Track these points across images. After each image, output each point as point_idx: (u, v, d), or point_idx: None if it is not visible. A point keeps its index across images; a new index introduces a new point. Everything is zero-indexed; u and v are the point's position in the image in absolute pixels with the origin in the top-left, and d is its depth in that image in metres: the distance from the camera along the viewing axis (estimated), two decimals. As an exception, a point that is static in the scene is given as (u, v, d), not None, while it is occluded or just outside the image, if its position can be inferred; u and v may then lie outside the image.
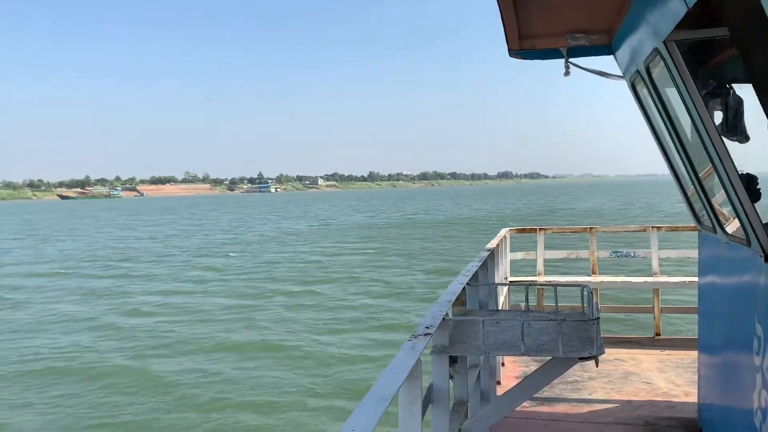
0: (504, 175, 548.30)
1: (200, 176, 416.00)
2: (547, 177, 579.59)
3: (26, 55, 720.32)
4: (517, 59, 5.63)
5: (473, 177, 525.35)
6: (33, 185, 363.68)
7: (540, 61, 5.73)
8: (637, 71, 4.46)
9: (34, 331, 20.68)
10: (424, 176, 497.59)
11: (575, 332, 3.88)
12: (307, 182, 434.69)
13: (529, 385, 3.90)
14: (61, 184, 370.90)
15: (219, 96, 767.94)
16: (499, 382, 6.93)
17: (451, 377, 3.89)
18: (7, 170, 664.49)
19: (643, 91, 4.67)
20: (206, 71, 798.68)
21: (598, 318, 3.85)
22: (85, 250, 50.48)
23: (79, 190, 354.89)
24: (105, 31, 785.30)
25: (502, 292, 7.97)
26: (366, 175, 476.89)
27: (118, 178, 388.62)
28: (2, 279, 33.97)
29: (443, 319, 3.55)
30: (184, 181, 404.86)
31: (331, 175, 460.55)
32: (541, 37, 5.25)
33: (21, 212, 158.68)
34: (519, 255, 10.46)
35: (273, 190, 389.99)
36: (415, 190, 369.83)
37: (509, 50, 5.41)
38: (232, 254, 42.72)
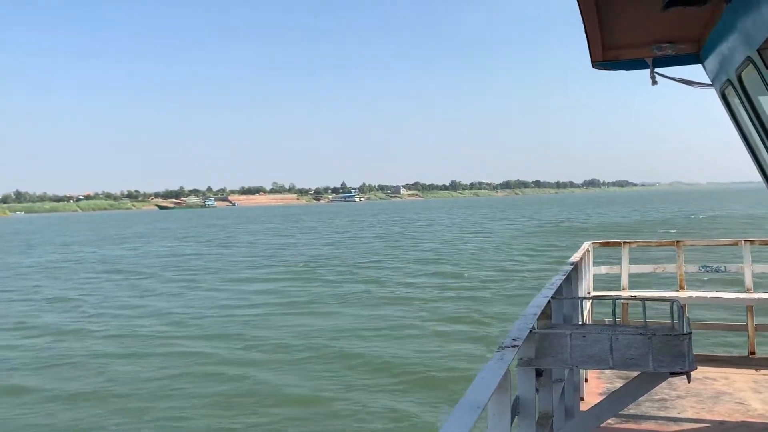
0: (591, 183, 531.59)
1: (287, 186, 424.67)
2: (635, 185, 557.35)
3: (122, 76, 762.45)
4: (601, 70, 5.54)
5: (558, 185, 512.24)
6: (131, 196, 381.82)
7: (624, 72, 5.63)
8: (728, 80, 4.54)
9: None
10: (506, 185, 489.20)
11: (665, 347, 3.78)
12: (390, 191, 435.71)
13: (615, 401, 3.99)
14: (156, 195, 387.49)
15: (301, 106, 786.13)
16: (582, 398, 6.75)
17: (536, 390, 3.85)
18: (107, 182, 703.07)
19: (734, 100, 4.73)
20: (288, 84, 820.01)
21: (690, 333, 3.79)
22: (300, 254, 49.82)
23: (174, 200, 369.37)
24: (200, 48, 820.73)
25: (585, 307, 7.81)
26: (448, 184, 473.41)
27: (210, 189, 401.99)
28: (258, 283, 33.04)
29: (530, 331, 3.59)
30: (272, 191, 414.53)
31: (413, 184, 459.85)
32: (625, 48, 5.22)
33: (138, 221, 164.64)
34: (603, 269, 10.45)
35: (357, 199, 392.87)
36: (499, 199, 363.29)
37: (592, 62, 5.30)
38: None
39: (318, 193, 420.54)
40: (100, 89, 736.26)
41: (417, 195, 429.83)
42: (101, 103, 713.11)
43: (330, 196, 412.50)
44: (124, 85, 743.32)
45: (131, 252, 60.11)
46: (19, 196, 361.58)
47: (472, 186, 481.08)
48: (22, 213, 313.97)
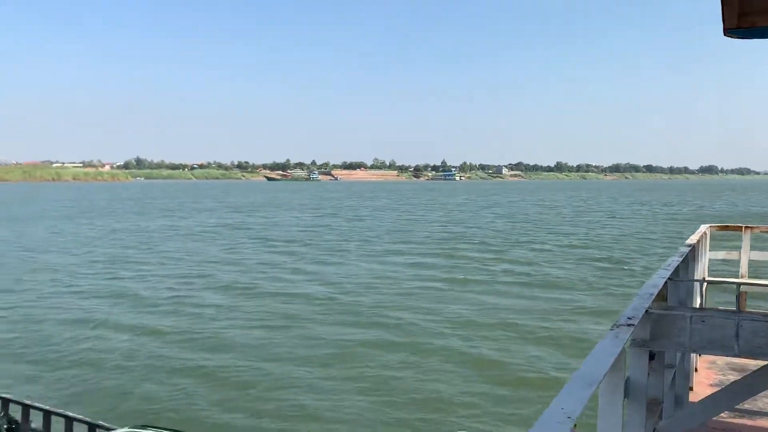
0: (707, 170, 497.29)
1: (387, 162, 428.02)
2: (758, 173, 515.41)
3: (231, 55, 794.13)
4: (733, 38, 4.70)
5: (672, 171, 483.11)
6: (241, 167, 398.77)
7: (758, 40, 4.71)
8: None
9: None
10: (616, 168, 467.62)
11: None
12: (491, 171, 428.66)
13: (732, 393, 3.69)
14: (264, 166, 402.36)
15: (402, 82, 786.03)
16: (691, 388, 6.30)
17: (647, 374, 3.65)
18: (219, 153, 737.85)
19: None
20: (388, 63, 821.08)
21: None
22: (436, 230, 50.58)
23: (280, 172, 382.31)
24: (299, 32, 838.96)
25: (700, 293, 7.28)
26: (553, 166, 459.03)
27: (314, 162, 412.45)
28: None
29: (645, 311, 3.46)
30: (372, 166, 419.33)
31: (515, 165, 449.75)
32: (764, 14, 4.40)
33: (252, 191, 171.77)
34: (720, 254, 9.91)
35: (458, 178, 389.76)
36: (608, 182, 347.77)
37: (724, 29, 4.52)
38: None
39: (418, 171, 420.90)
40: (214, 67, 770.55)
41: (520, 176, 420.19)
42: (214, 77, 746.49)
43: (430, 174, 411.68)
44: (233, 62, 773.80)
45: (267, 221, 62.84)
46: (139, 163, 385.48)
47: (578, 168, 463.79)
48: (142, 179, 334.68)
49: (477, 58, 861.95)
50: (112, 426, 8.58)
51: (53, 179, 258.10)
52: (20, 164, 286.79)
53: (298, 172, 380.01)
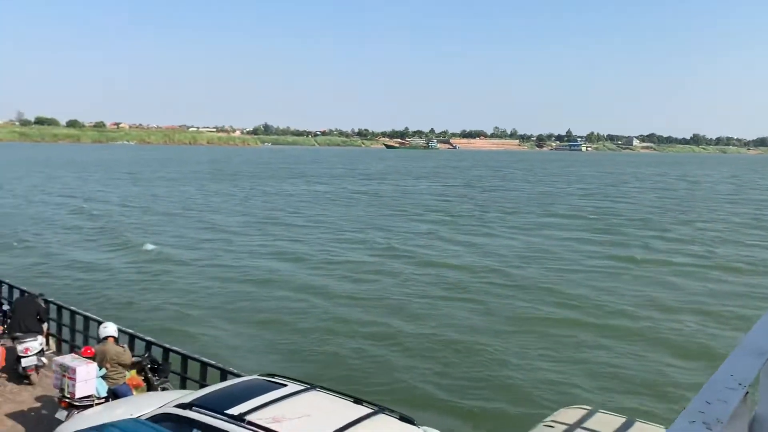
0: None
1: (508, 131, 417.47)
2: None
3: (364, 26, 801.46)
4: None
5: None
6: (361, 134, 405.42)
7: None
8: None
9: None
10: (762, 142, 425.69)
11: None
12: (620, 142, 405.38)
13: None
14: (383, 134, 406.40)
15: (524, 49, 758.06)
16: None
17: None
18: (340, 121, 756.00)
19: None
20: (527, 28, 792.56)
21: None
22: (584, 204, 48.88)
23: (399, 140, 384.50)
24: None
25: None
26: (689, 138, 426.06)
27: (432, 131, 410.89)
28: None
29: None
30: (492, 135, 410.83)
31: (647, 136, 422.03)
32: None
33: (372, 158, 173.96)
34: None
35: (584, 149, 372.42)
36: (753, 157, 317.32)
37: None
38: None
39: (541, 140, 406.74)
40: (340, 37, 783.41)
41: (651, 148, 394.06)
42: (339, 48, 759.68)
43: (553, 144, 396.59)
44: (344, 31, 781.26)
45: (398, 188, 63.02)
46: (267, 129, 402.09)
47: (717, 141, 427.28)
48: (269, 144, 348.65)
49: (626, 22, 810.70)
50: (242, 373, 9.13)
51: (189, 142, 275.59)
52: (160, 128, 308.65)
53: (417, 141, 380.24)
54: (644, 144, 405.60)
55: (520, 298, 18.03)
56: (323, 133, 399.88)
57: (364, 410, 6.15)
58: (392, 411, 6.34)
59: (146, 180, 64.58)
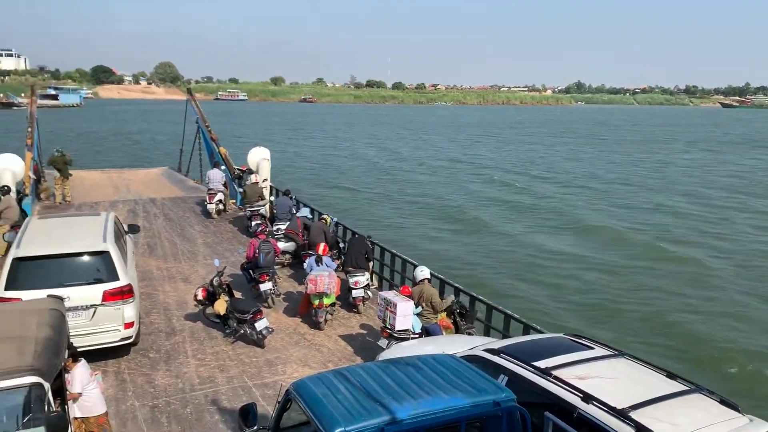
0: None
1: None
2: None
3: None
4: None
5: None
6: (689, 91, 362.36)
7: None
8: None
9: None
10: None
11: None
12: None
13: None
14: (716, 91, 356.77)
15: None
16: None
17: None
18: (661, 77, 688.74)
19: None
20: None
21: None
22: None
23: (737, 98, 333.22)
24: None
25: None
26: None
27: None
28: None
29: None
30: None
31: None
32: None
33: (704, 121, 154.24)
34: None
35: None
36: None
37: None
38: None
39: None
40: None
41: None
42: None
43: None
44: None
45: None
46: (579, 87, 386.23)
47: None
48: (583, 103, 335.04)
49: None
50: (544, 330, 9.12)
51: (502, 103, 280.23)
52: (473, 89, 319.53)
53: (760, 98, 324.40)
54: None
55: None
56: (643, 91, 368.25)
57: (677, 386, 5.66)
58: (711, 392, 5.63)
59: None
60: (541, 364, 5.88)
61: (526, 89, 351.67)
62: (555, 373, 5.67)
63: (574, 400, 5.31)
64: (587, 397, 5.24)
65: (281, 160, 42.13)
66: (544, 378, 5.66)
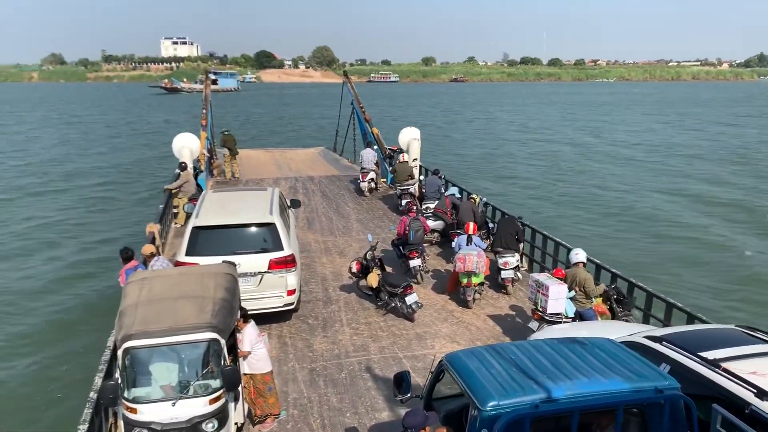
0: None
1: None
2: None
3: None
4: None
5: None
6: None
7: None
8: None
9: None
10: None
11: None
12: None
13: None
14: None
15: None
16: None
17: None
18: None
19: None
20: None
21: None
22: None
23: None
24: None
25: None
26: None
27: None
28: None
29: None
30: None
31: None
32: None
33: None
34: None
35: None
36: None
37: None
38: None
39: None
40: None
41: None
42: None
43: None
44: None
45: None
46: (762, 60, 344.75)
47: None
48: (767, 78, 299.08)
49: None
50: (709, 320, 8.63)
51: (672, 78, 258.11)
52: (637, 64, 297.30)
53: None
54: None
55: None
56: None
57: None
58: None
59: None
60: (708, 354, 5.49)
61: (699, 63, 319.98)
62: (724, 365, 5.28)
63: (746, 395, 4.90)
64: (761, 393, 4.81)
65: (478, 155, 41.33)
66: (711, 369, 5.29)
